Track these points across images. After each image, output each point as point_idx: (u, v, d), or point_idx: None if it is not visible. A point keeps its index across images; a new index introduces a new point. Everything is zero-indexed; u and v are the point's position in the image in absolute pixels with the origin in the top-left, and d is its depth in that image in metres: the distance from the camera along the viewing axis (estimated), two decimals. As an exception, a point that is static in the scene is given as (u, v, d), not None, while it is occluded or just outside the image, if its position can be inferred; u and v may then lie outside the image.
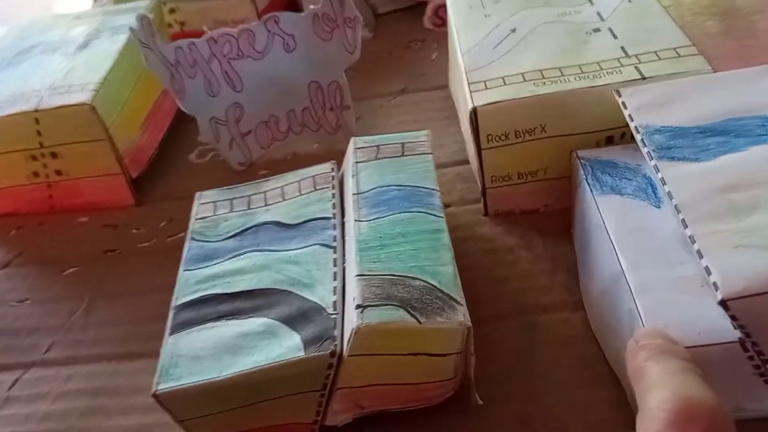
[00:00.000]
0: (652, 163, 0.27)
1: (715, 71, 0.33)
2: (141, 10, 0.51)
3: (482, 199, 0.39)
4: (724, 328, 0.23)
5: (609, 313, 0.29)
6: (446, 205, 0.40)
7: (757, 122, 0.27)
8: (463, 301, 0.26)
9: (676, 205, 0.25)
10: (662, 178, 0.26)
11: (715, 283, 0.22)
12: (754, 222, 0.24)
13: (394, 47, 0.57)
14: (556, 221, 0.37)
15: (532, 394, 0.30)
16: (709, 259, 0.23)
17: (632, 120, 0.29)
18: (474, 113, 0.35)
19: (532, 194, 0.38)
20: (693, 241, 0.24)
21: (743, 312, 0.22)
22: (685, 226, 0.24)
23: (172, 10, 0.57)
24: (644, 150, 0.28)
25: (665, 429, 0.20)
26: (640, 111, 0.29)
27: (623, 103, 0.30)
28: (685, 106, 0.29)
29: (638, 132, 0.28)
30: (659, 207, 0.28)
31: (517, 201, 0.38)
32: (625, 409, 0.28)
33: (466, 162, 0.43)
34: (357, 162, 0.33)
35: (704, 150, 0.27)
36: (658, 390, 0.21)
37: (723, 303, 0.22)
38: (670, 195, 0.25)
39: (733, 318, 0.22)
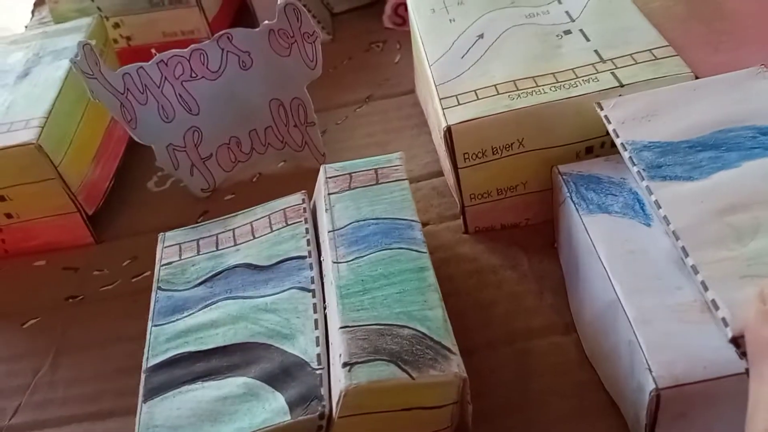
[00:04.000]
0: (644, 183, 0.26)
1: (692, 73, 0.32)
2: (82, 29, 0.48)
3: (462, 217, 0.37)
4: (729, 359, 0.22)
5: (605, 341, 0.28)
6: (424, 224, 0.39)
7: (748, 134, 0.26)
8: (455, 349, 0.24)
9: (674, 231, 0.24)
10: (656, 200, 0.25)
11: (724, 319, 0.21)
12: (758, 247, 0.22)
13: (354, 50, 0.55)
14: (538, 235, 0.36)
15: (531, 429, 0.29)
16: (715, 292, 0.21)
17: (617, 136, 0.28)
18: (449, 132, 0.33)
19: (513, 209, 0.36)
20: (696, 272, 0.22)
21: (754, 348, 0.21)
22: (686, 255, 0.23)
23: (116, 25, 0.54)
24: (634, 169, 0.26)
25: None
26: (625, 125, 0.28)
27: (606, 116, 0.29)
28: (671, 118, 0.28)
29: (625, 149, 0.27)
30: (649, 225, 0.27)
31: (498, 217, 0.37)
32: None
33: (441, 174, 0.41)
34: (330, 194, 0.32)
35: (696, 167, 0.25)
36: None
37: (734, 340, 0.20)
38: (666, 220, 0.24)
39: (744, 354, 0.21)
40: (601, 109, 0.29)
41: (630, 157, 0.27)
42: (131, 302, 0.38)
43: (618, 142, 0.27)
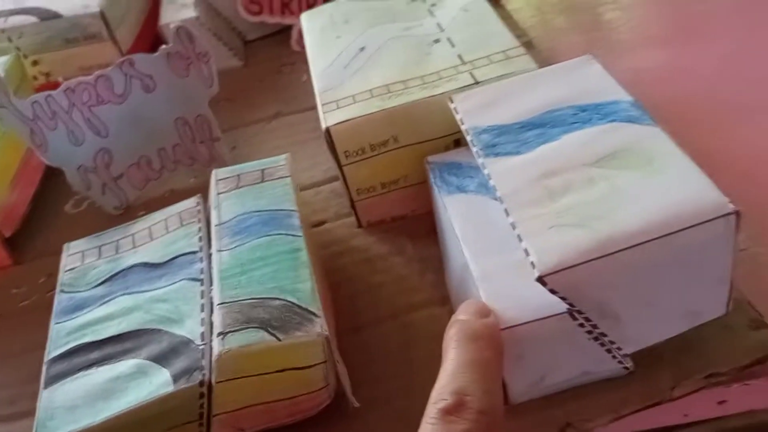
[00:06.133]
0: (480, 161, 0.29)
1: (539, 67, 0.36)
2: (-1, 66, 0.50)
3: (353, 213, 0.40)
4: (551, 303, 0.26)
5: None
6: (322, 222, 0.42)
7: (570, 112, 0.30)
8: (320, 313, 0.27)
9: (499, 197, 0.27)
10: (488, 173, 0.28)
11: (532, 263, 0.24)
12: (566, 203, 0.26)
13: (265, 73, 0.59)
14: (423, 224, 0.39)
15: (411, 390, 0.32)
16: (527, 242, 0.25)
17: (463, 123, 0.31)
18: (328, 132, 0.36)
19: (399, 202, 0.40)
20: (514, 228, 0.26)
21: (560, 285, 0.24)
22: (508, 215, 0.26)
23: (35, 63, 0.56)
24: (473, 150, 0.30)
25: (433, 422, 0.22)
26: (470, 114, 0.32)
27: (455, 108, 0.32)
28: (509, 105, 0.32)
29: (468, 134, 0.31)
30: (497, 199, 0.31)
31: (386, 209, 0.40)
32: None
33: (339, 179, 0.45)
34: (219, 193, 0.34)
35: (525, 143, 0.29)
36: (442, 379, 0.24)
37: (540, 279, 0.24)
38: (495, 188, 0.28)
39: (553, 292, 0.24)
40: (452, 102, 0.33)
41: (471, 140, 0.30)
42: (45, 314, 0.39)
43: (463, 128, 0.31)
